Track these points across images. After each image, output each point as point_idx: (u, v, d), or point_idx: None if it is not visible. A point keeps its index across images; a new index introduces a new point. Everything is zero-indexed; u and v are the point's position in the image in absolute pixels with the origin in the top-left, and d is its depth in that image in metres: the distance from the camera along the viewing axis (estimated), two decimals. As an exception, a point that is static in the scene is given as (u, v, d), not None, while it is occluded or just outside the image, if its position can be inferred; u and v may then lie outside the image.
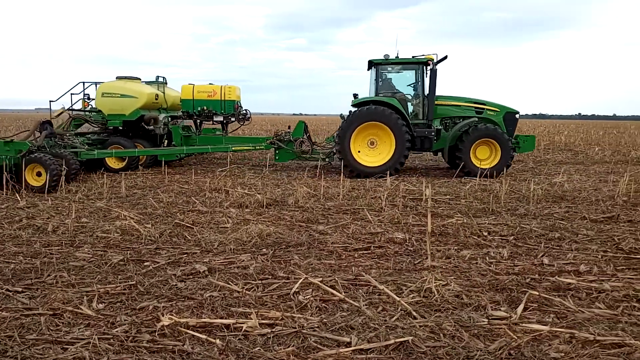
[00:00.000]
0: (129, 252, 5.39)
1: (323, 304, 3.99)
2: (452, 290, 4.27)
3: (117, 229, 6.24)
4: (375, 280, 4.48)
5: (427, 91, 11.95)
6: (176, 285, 4.39)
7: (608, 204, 8.23)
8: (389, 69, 12.51)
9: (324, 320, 3.66)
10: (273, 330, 3.49)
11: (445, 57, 11.76)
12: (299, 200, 8.14)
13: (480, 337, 3.46)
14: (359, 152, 11.62)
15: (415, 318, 3.73)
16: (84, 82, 13.34)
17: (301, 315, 3.73)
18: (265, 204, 7.86)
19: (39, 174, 9.22)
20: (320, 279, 4.45)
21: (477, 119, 12.07)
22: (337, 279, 4.48)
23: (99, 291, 4.23)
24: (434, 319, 3.70)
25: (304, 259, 5.18)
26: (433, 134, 11.94)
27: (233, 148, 12.83)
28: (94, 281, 4.49)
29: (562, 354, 3.18)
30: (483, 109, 12.33)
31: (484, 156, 11.75)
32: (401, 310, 3.88)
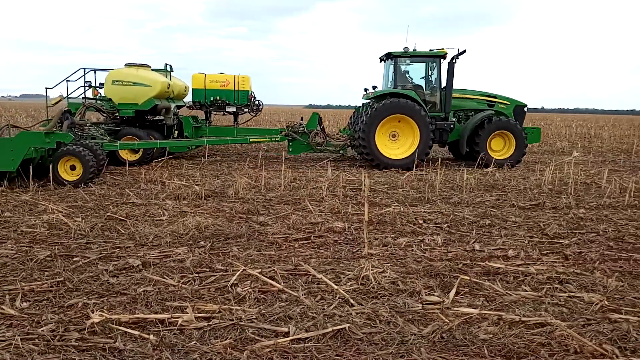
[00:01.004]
0: (56, 247, 5.11)
1: (262, 295, 3.96)
2: (389, 277, 4.37)
3: (44, 223, 5.90)
4: (315, 269, 4.51)
5: (443, 84, 12.15)
6: (108, 280, 4.21)
7: (535, 192, 8.71)
8: (408, 61, 12.55)
9: (263, 311, 3.64)
10: (210, 323, 3.43)
11: (464, 51, 11.88)
12: (239, 192, 8.04)
13: (414, 321, 3.56)
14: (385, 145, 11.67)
15: (352, 306, 3.79)
16: (84, 69, 12.35)
17: (239, 307, 3.70)
18: (203, 195, 7.70)
19: (72, 168, 8.59)
20: (260, 270, 4.42)
21: (493, 112, 12.40)
22: (276, 269, 4.47)
23: (24, 289, 3.99)
24: (370, 306, 3.77)
25: (243, 250, 5.13)
26: (452, 126, 12.23)
27: (251, 140, 12.56)
28: (18, 279, 4.23)
29: (490, 335, 3.33)
30: (494, 102, 12.78)
31: (497, 147, 12.22)
32: (339, 298, 3.92)
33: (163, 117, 12.40)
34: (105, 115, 12.06)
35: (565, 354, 3.14)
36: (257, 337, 3.27)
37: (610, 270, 4.72)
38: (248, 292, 3.95)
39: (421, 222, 6.50)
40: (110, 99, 11.96)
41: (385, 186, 9.11)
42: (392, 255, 5.08)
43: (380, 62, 13.29)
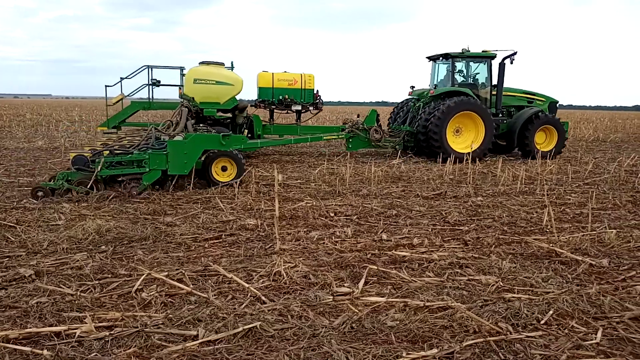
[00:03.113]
0: None
1: (169, 299, 3.81)
2: (301, 271, 4.39)
3: None
4: (226, 268, 4.42)
5: (494, 83, 13.25)
6: (-6, 294, 3.83)
7: (437, 182, 9.19)
8: (464, 61, 13.55)
9: (170, 315, 3.50)
10: (112, 332, 3.23)
11: (515, 53, 12.87)
12: (146, 191, 7.67)
13: (325, 314, 3.60)
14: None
15: (264, 303, 3.76)
16: (149, 66, 11.87)
17: (144, 313, 3.52)
18: (105, 196, 7.26)
19: (224, 169, 8.47)
20: (166, 273, 4.24)
21: (540, 109, 13.44)
22: (184, 271, 4.31)
23: None
24: (282, 302, 3.76)
25: (149, 253, 4.90)
26: (505, 121, 13.33)
27: (325, 137, 12.85)
28: None
29: (397, 322, 3.45)
30: (533, 99, 14.13)
31: (540, 140, 13.40)
32: (251, 296, 3.87)
33: (234, 116, 12.27)
34: (193, 115, 11.28)
35: (466, 334, 3.33)
36: (164, 343, 3.13)
37: (504, 253, 5.09)
38: (154, 297, 3.77)
39: (332, 214, 6.61)
40: (192, 98, 11.43)
41: (299, 181, 9.16)
42: (304, 250, 5.11)
43: (429, 61, 14.28)
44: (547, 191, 8.25)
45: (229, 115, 12.55)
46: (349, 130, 12.67)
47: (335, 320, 3.48)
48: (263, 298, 3.82)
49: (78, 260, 4.57)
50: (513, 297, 3.92)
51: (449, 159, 11.62)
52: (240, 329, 3.28)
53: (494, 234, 5.81)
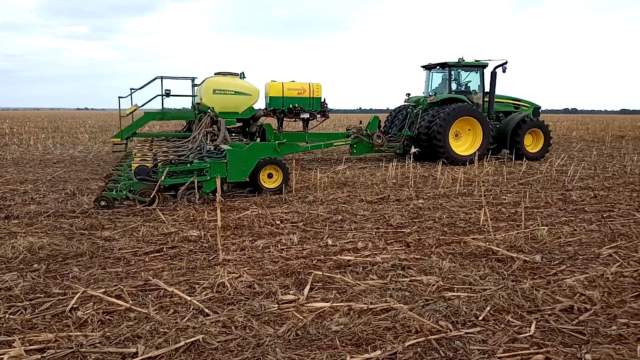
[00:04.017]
0: None
1: (107, 317, 3.66)
2: (245, 281, 4.34)
3: None
4: (167, 282, 4.30)
5: (486, 90, 14.29)
6: None
7: (381, 187, 9.37)
8: (459, 70, 14.53)
9: (108, 333, 3.36)
10: (44, 355, 3.07)
11: (506, 62, 13.87)
12: (82, 205, 7.36)
13: (270, 323, 3.58)
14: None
15: (207, 315, 3.68)
16: (162, 77, 12.00)
17: (80, 333, 3.36)
18: (39, 212, 6.90)
19: (269, 176, 8.67)
20: (104, 289, 4.08)
21: (527, 114, 14.51)
22: (123, 287, 4.16)
23: None
24: (226, 313, 3.70)
25: (85, 270, 4.69)
26: (497, 126, 14.39)
27: (335, 143, 13.44)
28: None
29: (342, 326, 3.48)
30: (519, 105, 15.30)
31: (528, 143, 14.36)
32: (193, 309, 3.79)
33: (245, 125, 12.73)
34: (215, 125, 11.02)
35: (408, 334, 3.40)
36: (101, 363, 3.00)
37: (444, 253, 5.25)
38: (90, 315, 3.61)
39: (278, 222, 6.58)
40: (212, 108, 11.38)
41: (245, 190, 9.06)
42: (249, 259, 5.06)
43: (424, 70, 15.12)
44: (484, 192, 8.60)
45: (240, 124, 13.14)
46: (354, 136, 13.28)
47: (280, 329, 3.46)
48: (206, 310, 3.75)
49: (7, 281, 4.30)
50: (453, 295, 4.05)
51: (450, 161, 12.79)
52: (182, 343, 3.19)
53: (435, 235, 5.98)
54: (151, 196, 7.33)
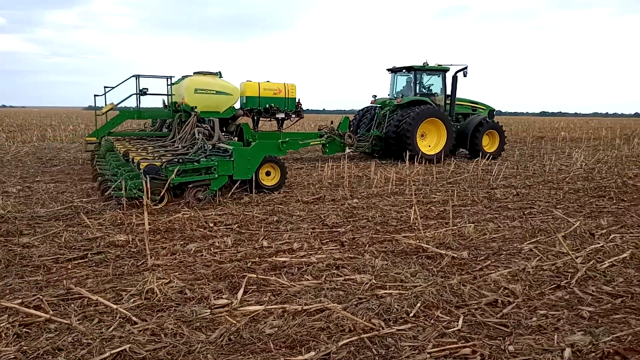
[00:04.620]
0: None
1: (24, 330, 3.41)
2: (176, 286, 4.20)
3: None
4: (91, 290, 4.08)
5: (448, 93, 15.01)
6: None
7: (317, 187, 9.41)
8: (423, 74, 15.22)
9: (24, 347, 3.13)
10: (-51, 375, 2.81)
11: (466, 67, 14.62)
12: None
13: (202, 328, 3.48)
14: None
15: (135, 324, 3.52)
16: (138, 76, 11.92)
17: (-8, 349, 3.11)
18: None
19: (267, 174, 8.87)
20: (21, 300, 3.81)
21: (485, 116, 15.55)
22: (43, 297, 3.90)
23: None
24: (155, 321, 3.56)
25: (0, 280, 4.36)
26: (459, 127, 15.10)
27: (311, 143, 13.42)
28: None
29: (276, 329, 3.45)
30: (476, 107, 16.28)
31: (485, 143, 15.29)
32: (120, 317, 3.61)
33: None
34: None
35: (342, 334, 3.42)
36: (15, 381, 2.79)
37: (377, 252, 5.35)
38: (4, 329, 3.35)
39: (212, 225, 6.44)
40: (194, 107, 11.48)
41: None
42: (180, 264, 4.90)
43: (390, 72, 15.86)
44: (415, 191, 8.86)
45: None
46: (327, 136, 13.56)
47: (212, 334, 3.38)
48: (134, 318, 3.59)
49: None
50: (385, 293, 4.13)
51: (416, 158, 13.42)
52: (108, 354, 3.04)
53: (368, 233, 6.09)
54: (161, 194, 7.40)
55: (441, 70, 15.25)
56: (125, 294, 4.06)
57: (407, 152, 13.34)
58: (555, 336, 3.41)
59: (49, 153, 15.21)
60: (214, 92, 12.17)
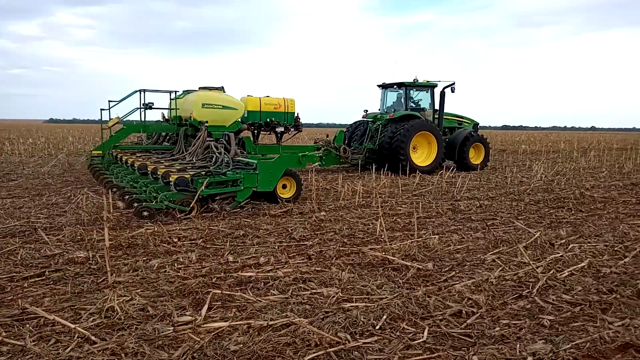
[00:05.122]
0: None
1: (-27, 353, 3.25)
2: (138, 304, 4.08)
3: None
4: (48, 309, 3.93)
5: (436, 107, 15.72)
6: None
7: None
8: (413, 89, 15.80)
9: (-27, 372, 2.98)
10: None
11: (453, 83, 15.29)
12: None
13: (164, 347, 3.39)
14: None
15: (94, 343, 3.40)
16: (143, 90, 12.07)
17: (-62, 375, 2.95)
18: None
19: (284, 186, 9.13)
20: (-30, 322, 3.63)
21: (471, 130, 16.23)
22: (-5, 317, 3.73)
23: None
24: (115, 340, 3.45)
25: (-51, 300, 4.15)
26: (447, 140, 15.68)
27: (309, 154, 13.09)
28: None
29: (241, 345, 3.39)
30: (462, 121, 17.05)
31: (471, 155, 15.93)
32: (78, 337, 3.48)
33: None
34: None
35: (308, 348, 3.40)
36: (-37, 408, 2.65)
37: (344, 264, 5.35)
38: (-48, 353, 3.19)
39: (176, 240, 6.31)
40: (205, 122, 11.63)
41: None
42: (142, 280, 4.77)
43: (381, 88, 16.49)
44: (381, 203, 8.94)
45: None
46: (324, 149, 13.98)
47: (174, 352, 3.29)
48: (93, 338, 3.46)
49: None
50: (351, 306, 4.12)
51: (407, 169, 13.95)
52: (64, 376, 2.92)
53: (335, 246, 6.09)
54: (191, 205, 7.68)
55: (429, 86, 15.90)
56: (85, 313, 3.92)
57: (401, 164, 14.05)
58: (518, 345, 3.47)
59: (6, 167, 14.68)
60: (221, 106, 12.49)
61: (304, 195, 9.91)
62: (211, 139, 10.93)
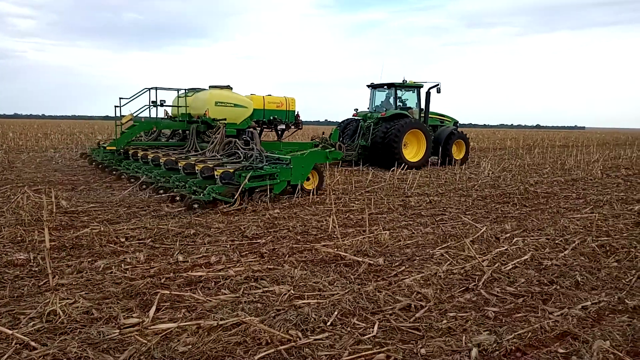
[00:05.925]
0: None
1: None
2: (81, 307, 3.94)
3: None
4: (-17, 315, 3.72)
5: (421, 107, 16.65)
6: None
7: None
8: (403, 90, 16.76)
9: None
10: None
11: (438, 84, 16.24)
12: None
13: (110, 350, 3.29)
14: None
15: (34, 349, 3.26)
16: (156, 88, 12.75)
17: None
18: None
19: (307, 179, 9.64)
20: None
21: (454, 127, 17.57)
22: None
23: None
24: (57, 345, 3.32)
25: None
26: (433, 137, 16.46)
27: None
28: None
29: (190, 346, 3.33)
30: (444, 120, 18.02)
31: (453, 151, 17.04)
32: (16, 343, 3.32)
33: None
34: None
35: (259, 347, 3.38)
36: None
37: (297, 262, 5.35)
38: None
39: (123, 240, 6.12)
40: (224, 119, 12.19)
41: (92, 205, 8.28)
42: (87, 282, 4.61)
43: (370, 88, 17.34)
44: (335, 200, 8.99)
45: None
46: (322, 146, 14.52)
47: (120, 356, 3.20)
48: (32, 344, 3.31)
49: None
50: (303, 303, 4.13)
51: (400, 165, 14.17)
52: (-1, 385, 2.78)
53: (289, 243, 6.08)
54: (235, 197, 8.20)
55: (416, 87, 16.79)
56: (24, 318, 3.75)
57: (395, 160, 14.72)
58: (464, 337, 3.58)
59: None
60: (232, 104, 12.99)
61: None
62: (229, 135, 11.49)
